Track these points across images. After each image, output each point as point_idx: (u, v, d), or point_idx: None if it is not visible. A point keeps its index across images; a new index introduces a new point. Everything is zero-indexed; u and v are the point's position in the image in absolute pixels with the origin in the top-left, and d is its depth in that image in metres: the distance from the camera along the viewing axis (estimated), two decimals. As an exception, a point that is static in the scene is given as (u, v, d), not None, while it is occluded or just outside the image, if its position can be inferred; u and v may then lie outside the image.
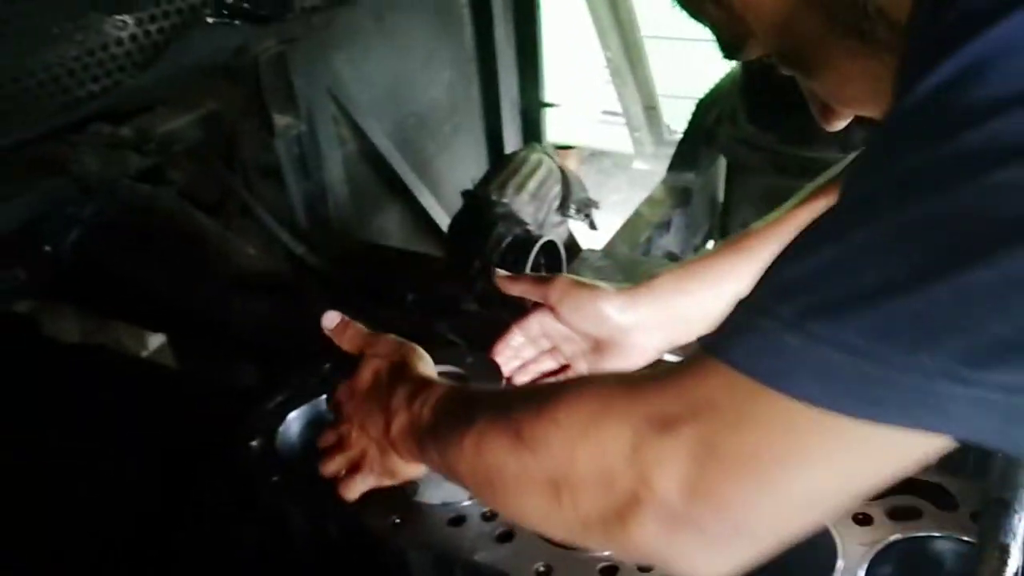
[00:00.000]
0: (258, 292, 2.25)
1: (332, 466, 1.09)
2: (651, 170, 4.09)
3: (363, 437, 1.03)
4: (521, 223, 1.72)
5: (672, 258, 2.23)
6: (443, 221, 2.77)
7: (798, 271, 0.54)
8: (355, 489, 1.07)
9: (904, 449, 0.52)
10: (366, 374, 1.03)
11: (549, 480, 0.67)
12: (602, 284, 1.17)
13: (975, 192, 0.45)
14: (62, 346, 2.45)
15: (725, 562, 0.60)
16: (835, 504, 0.58)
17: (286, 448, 1.31)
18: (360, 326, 1.11)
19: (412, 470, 1.01)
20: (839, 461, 0.53)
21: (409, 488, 1.14)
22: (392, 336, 1.07)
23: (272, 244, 2.20)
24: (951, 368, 0.46)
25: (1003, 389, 0.45)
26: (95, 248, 2.28)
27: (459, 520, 1.10)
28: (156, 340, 3.27)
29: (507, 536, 1.07)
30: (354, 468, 1.07)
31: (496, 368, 1.17)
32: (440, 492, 1.13)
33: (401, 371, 0.99)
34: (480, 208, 1.75)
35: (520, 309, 1.66)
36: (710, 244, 2.59)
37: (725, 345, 0.56)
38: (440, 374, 1.21)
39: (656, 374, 0.64)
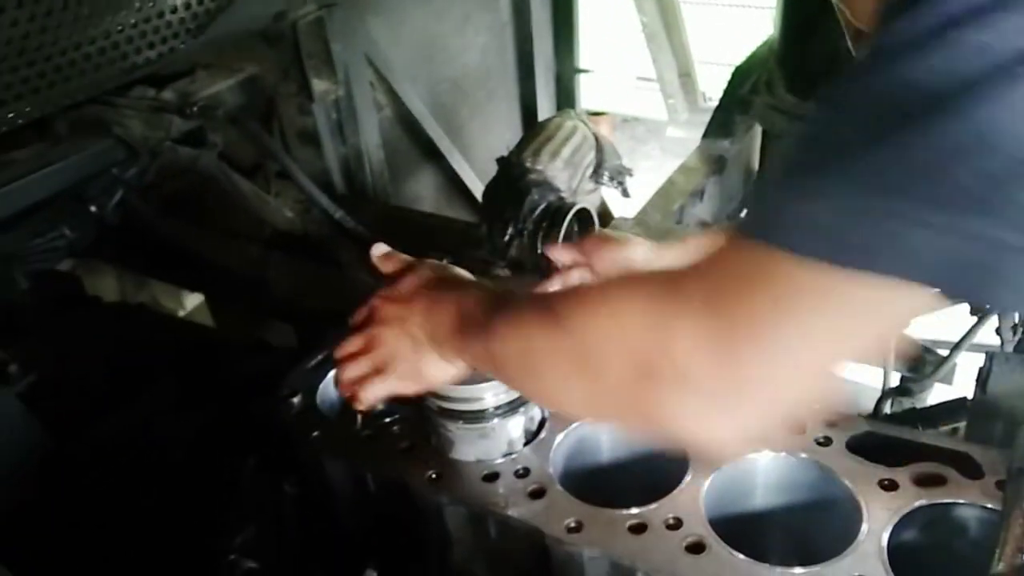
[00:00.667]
0: (295, 254, 2.30)
1: (356, 369, 1.08)
2: (684, 137, 4.04)
3: (400, 339, 1.03)
4: (555, 190, 1.73)
5: (705, 226, 2.24)
6: (475, 187, 2.78)
7: (794, 145, 0.59)
8: (375, 393, 1.08)
9: (894, 302, 0.55)
10: (410, 281, 1.04)
11: (578, 355, 0.73)
12: (632, 236, 1.20)
13: (946, 54, 0.49)
14: (104, 304, 2.53)
15: (729, 424, 0.64)
16: (826, 360, 0.61)
17: (326, 406, 1.36)
18: (405, 256, 1.14)
19: (440, 373, 1.04)
20: (828, 314, 0.57)
21: (444, 445, 1.19)
22: (434, 260, 1.11)
23: (309, 208, 2.24)
24: (924, 215, 0.49)
25: (981, 239, 0.49)
26: (138, 209, 2.34)
27: (493, 476, 1.14)
28: (193, 300, 3.35)
29: (539, 493, 1.10)
30: (375, 372, 1.07)
31: None
32: (474, 449, 1.17)
33: (449, 278, 1.04)
34: (514, 175, 1.77)
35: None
36: (743, 213, 2.58)
37: (737, 223, 0.62)
38: None
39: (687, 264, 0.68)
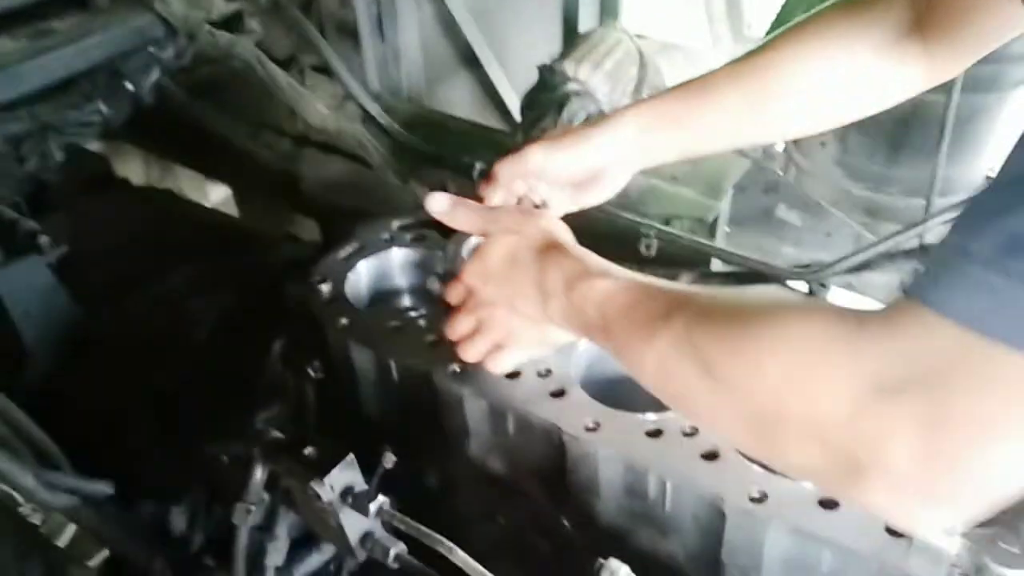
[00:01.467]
0: (328, 150, 2.30)
1: (478, 348, 1.04)
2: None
3: (513, 317, 0.98)
4: (596, 101, 1.71)
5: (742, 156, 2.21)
6: (510, 98, 2.74)
7: (990, 211, 0.54)
8: (507, 364, 1.05)
9: None
10: (499, 252, 0.96)
11: (751, 418, 0.66)
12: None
13: None
14: (133, 187, 2.55)
15: (951, 516, 0.60)
16: None
17: (354, 295, 1.38)
18: (473, 203, 1.04)
19: (565, 337, 0.99)
20: None
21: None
22: (510, 208, 1.03)
23: (343, 103, 2.22)
24: None
25: None
26: (171, 92, 2.33)
27: (515, 374, 1.16)
28: (217, 194, 3.36)
29: (560, 393, 1.12)
30: (498, 348, 1.03)
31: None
32: (499, 348, 1.19)
33: (543, 247, 0.93)
34: (554, 83, 1.74)
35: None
36: (780, 146, 2.54)
37: (943, 297, 0.54)
38: None
39: (871, 324, 0.60)
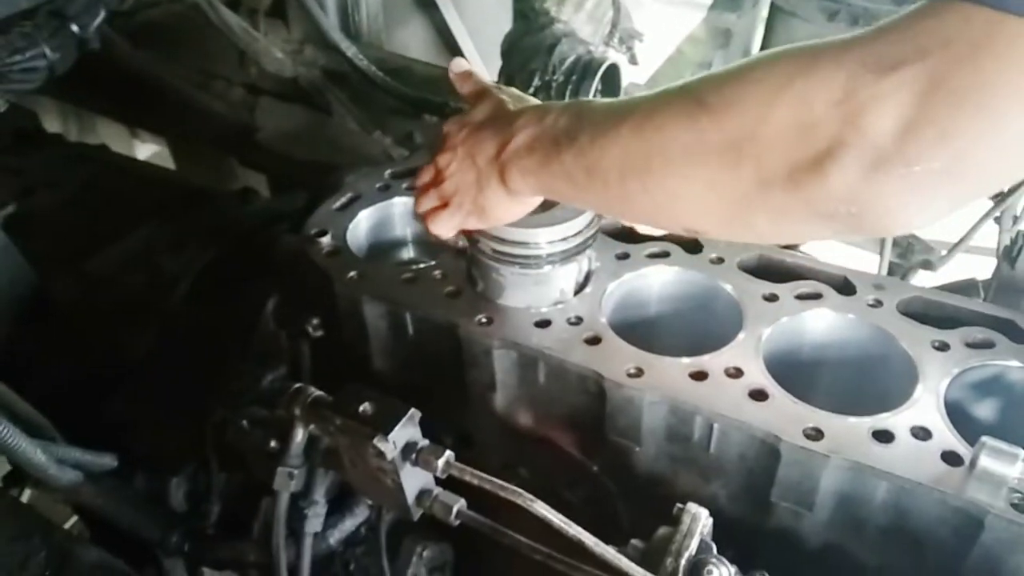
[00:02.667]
0: (284, 99, 2.18)
1: (426, 202, 1.05)
2: (667, 11, 3.94)
3: (463, 167, 0.99)
4: (583, 42, 1.66)
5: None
6: (465, 43, 2.66)
7: None
8: (444, 223, 1.04)
9: None
10: (485, 107, 0.99)
11: (731, 142, 0.67)
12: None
13: None
14: (69, 143, 2.37)
15: (924, 206, 0.59)
16: None
17: (355, 247, 1.31)
18: (482, 77, 1.07)
19: (502, 211, 1.00)
20: None
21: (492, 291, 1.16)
22: (514, 90, 1.03)
23: (301, 49, 2.10)
24: None
25: None
26: (109, 38, 2.15)
27: (545, 323, 1.12)
28: (145, 149, 3.16)
29: (595, 340, 1.09)
30: (442, 205, 1.04)
31: None
32: (526, 296, 1.14)
33: (525, 101, 0.99)
34: (539, 24, 1.68)
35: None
36: None
37: None
38: None
39: (877, 25, 0.61)
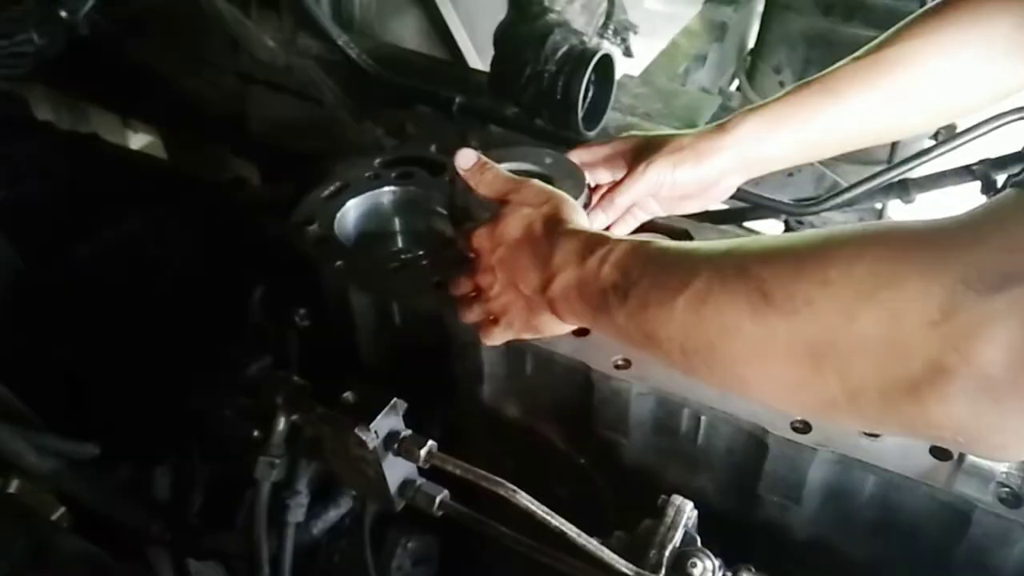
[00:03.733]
0: (276, 88, 2.16)
1: (472, 315, 0.98)
2: (663, 11, 3.93)
3: (509, 291, 0.92)
4: (576, 32, 1.64)
5: (705, 93, 2.19)
6: (459, 33, 2.64)
7: None
8: (497, 338, 0.98)
9: None
10: (514, 223, 0.89)
11: (807, 347, 0.59)
12: (670, 132, 1.11)
13: None
14: (59, 131, 2.35)
15: None
16: None
17: (342, 237, 1.29)
18: (500, 169, 0.98)
19: (560, 327, 0.92)
20: None
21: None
22: (537, 182, 0.95)
23: (294, 38, 2.08)
24: None
25: None
26: (100, 24, 2.13)
27: (533, 313, 1.11)
28: (138, 140, 3.14)
29: (583, 331, 1.08)
30: (492, 321, 0.97)
31: (578, 171, 1.15)
32: (514, 286, 1.13)
33: (559, 223, 0.86)
34: (532, 12, 1.67)
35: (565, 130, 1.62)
36: (734, 85, 2.54)
37: None
38: (517, 172, 1.19)
39: (965, 222, 0.54)
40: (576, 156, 1.15)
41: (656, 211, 1.15)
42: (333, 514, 1.02)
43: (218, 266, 1.52)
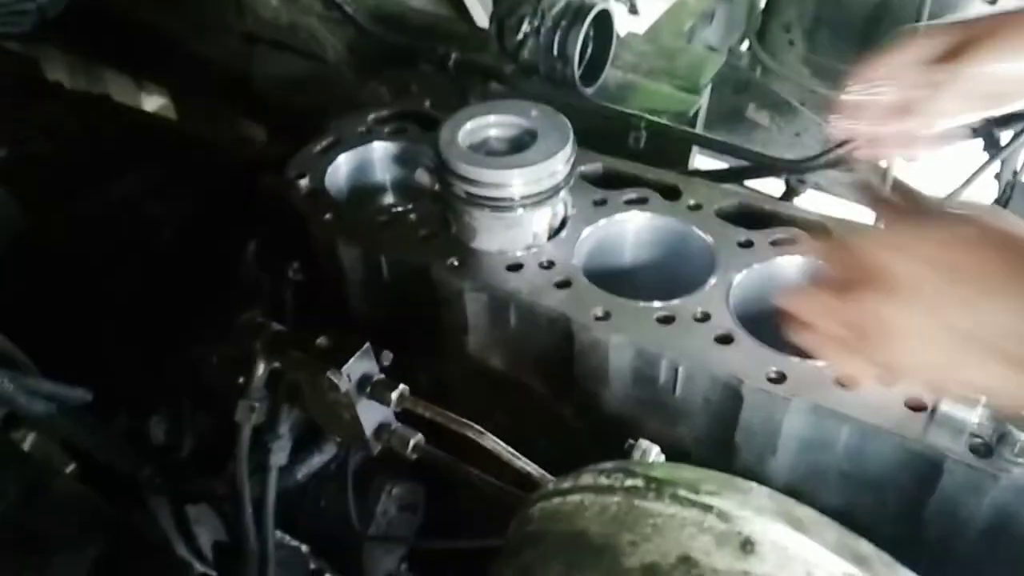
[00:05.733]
0: (280, 47, 2.16)
1: (850, 364, 0.75)
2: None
3: (923, 324, 0.66)
4: (574, -12, 1.63)
5: (712, 51, 2.16)
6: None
7: None
8: (863, 379, 0.80)
9: None
10: (946, 232, 0.67)
11: None
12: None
13: None
14: (69, 91, 2.37)
15: None
16: None
17: (334, 191, 1.31)
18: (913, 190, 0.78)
19: (1006, 388, 0.65)
20: None
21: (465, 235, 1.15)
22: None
23: (296, -3, 2.08)
24: None
25: None
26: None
27: (517, 266, 1.12)
28: (152, 102, 3.16)
29: (565, 284, 1.09)
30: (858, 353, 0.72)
31: (564, 124, 1.15)
32: (498, 239, 1.14)
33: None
34: (531, -31, 1.65)
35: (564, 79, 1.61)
36: (744, 45, 2.50)
37: None
38: (505, 125, 1.19)
39: None
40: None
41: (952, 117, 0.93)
42: (317, 460, 1.04)
43: (215, 222, 1.54)
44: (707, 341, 1.00)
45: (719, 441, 1.03)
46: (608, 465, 0.76)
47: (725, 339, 1.00)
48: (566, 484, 0.74)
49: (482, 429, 0.84)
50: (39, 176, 1.77)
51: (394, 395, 0.86)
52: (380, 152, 1.37)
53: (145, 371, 1.34)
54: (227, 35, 2.24)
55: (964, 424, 0.87)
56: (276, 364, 0.93)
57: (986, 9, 2.20)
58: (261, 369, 0.92)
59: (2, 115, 1.98)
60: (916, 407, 0.90)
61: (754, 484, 0.73)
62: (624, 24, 2.18)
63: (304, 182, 1.28)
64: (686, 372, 1.00)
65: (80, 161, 1.86)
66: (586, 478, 0.73)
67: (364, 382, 0.87)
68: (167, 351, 1.32)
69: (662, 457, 0.85)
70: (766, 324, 1.06)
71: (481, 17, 2.51)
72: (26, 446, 1.28)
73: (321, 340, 0.87)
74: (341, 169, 1.33)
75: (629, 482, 0.70)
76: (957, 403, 0.87)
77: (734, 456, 1.03)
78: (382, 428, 0.91)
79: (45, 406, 1.00)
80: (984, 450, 0.87)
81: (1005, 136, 1.54)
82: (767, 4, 2.42)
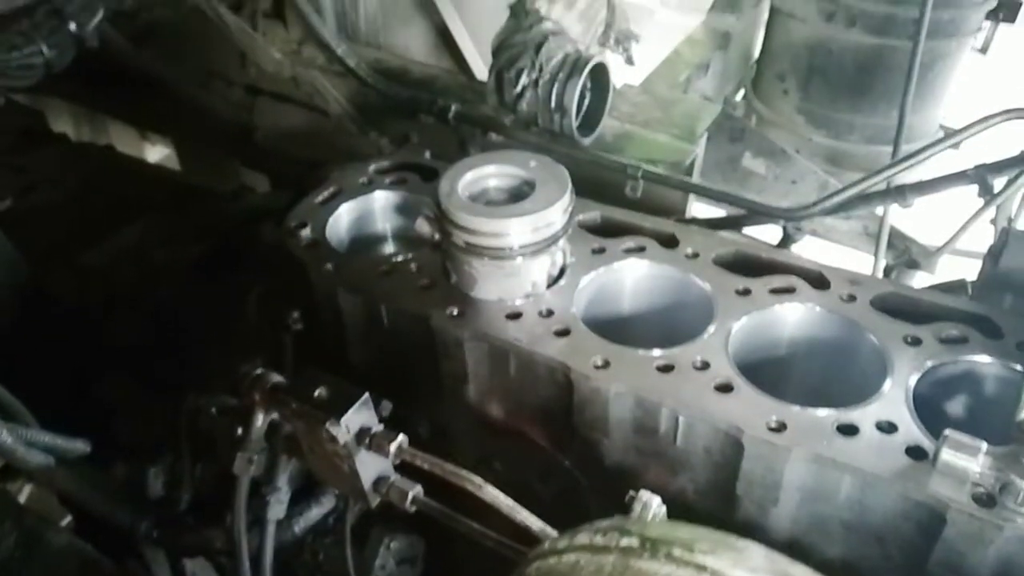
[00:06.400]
0: (283, 99, 2.19)
1: None
2: (673, 24, 3.94)
3: None
4: (571, 41, 1.66)
5: (708, 100, 2.20)
6: (465, 45, 2.67)
7: None
8: None
9: None
10: None
11: None
12: None
13: None
14: (74, 142, 2.40)
15: None
16: None
17: (335, 241, 1.31)
18: None
19: None
20: None
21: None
22: None
23: (299, 50, 2.12)
24: None
25: None
26: (112, 38, 2.18)
27: (516, 315, 1.12)
28: (155, 153, 3.20)
29: (564, 332, 1.09)
30: None
31: (562, 173, 1.16)
32: (497, 288, 1.14)
33: None
34: (528, 22, 1.69)
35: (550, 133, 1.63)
36: (740, 95, 2.54)
37: None
38: (504, 176, 1.20)
39: None
40: None
41: None
42: (316, 512, 1.03)
43: (217, 271, 1.55)
44: (707, 390, 1.00)
45: (721, 491, 1.02)
46: (604, 523, 0.75)
47: (725, 387, 1.00)
48: (562, 543, 0.73)
49: (482, 481, 0.84)
50: (43, 226, 1.78)
51: (392, 447, 0.86)
52: (381, 202, 1.38)
53: (145, 421, 1.34)
54: (230, 87, 2.29)
55: (966, 472, 0.86)
56: (274, 415, 0.93)
57: (976, 60, 2.24)
58: (260, 420, 0.92)
59: (7, 166, 2.01)
60: (917, 455, 0.90)
61: (750, 543, 0.73)
62: (620, 75, 2.22)
63: (305, 232, 1.29)
64: (686, 422, 1.00)
65: (84, 211, 1.88)
66: (582, 537, 0.73)
67: (363, 434, 0.86)
68: (168, 400, 1.32)
69: (663, 509, 0.84)
70: (766, 371, 1.07)
71: (481, 70, 2.56)
72: (23, 498, 1.27)
73: (320, 391, 0.87)
74: (342, 219, 1.34)
75: (624, 541, 0.70)
76: (958, 451, 0.86)
77: (736, 507, 1.02)
78: (381, 480, 0.90)
79: (43, 458, 1.00)
80: (987, 500, 0.86)
81: (998, 183, 1.55)
82: (761, 55, 2.47)
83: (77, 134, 3.04)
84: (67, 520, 1.28)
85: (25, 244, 1.59)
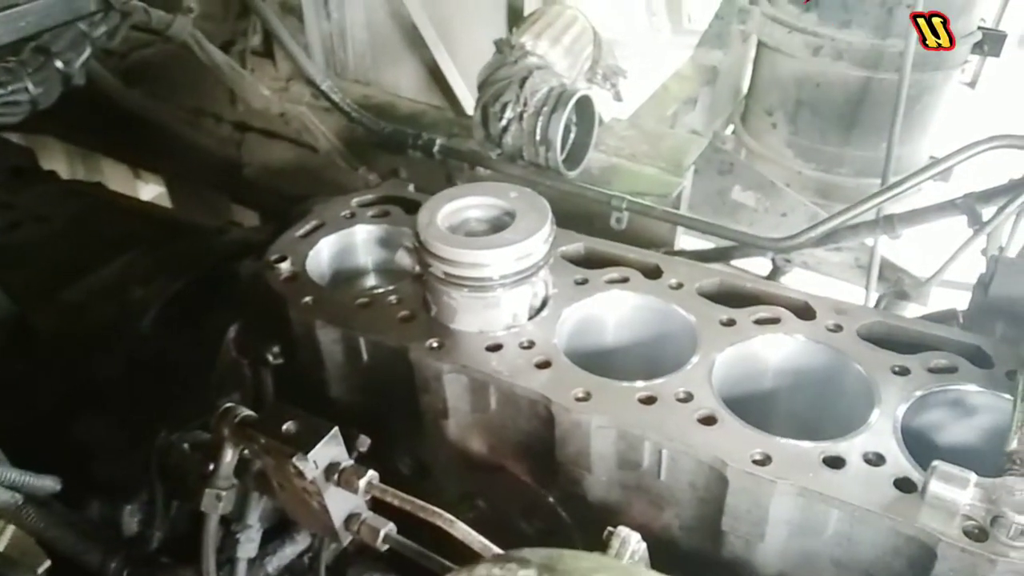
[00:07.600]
0: (271, 136, 2.20)
1: None
2: (660, 60, 3.98)
3: None
4: (556, 76, 1.67)
5: (696, 135, 2.20)
6: (455, 81, 2.69)
7: None
8: None
9: None
10: None
11: None
12: None
13: None
14: (63, 180, 2.40)
15: None
16: None
17: (316, 274, 1.30)
18: None
19: None
20: None
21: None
22: None
23: (288, 87, 2.13)
24: None
25: None
26: (101, 76, 2.20)
27: (496, 347, 1.10)
28: (147, 192, 3.20)
29: (545, 364, 1.07)
30: None
31: (543, 204, 1.15)
32: (477, 320, 1.12)
33: None
34: (514, 57, 1.69)
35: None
36: (730, 129, 2.54)
37: None
38: (484, 207, 1.19)
39: None
40: None
41: None
42: (290, 551, 1.00)
43: (197, 306, 1.54)
44: (690, 422, 0.97)
45: (708, 527, 0.99)
46: (508, 554, 0.72)
47: (709, 420, 0.97)
48: None
49: (452, 518, 0.81)
50: (27, 263, 1.77)
51: (362, 482, 0.83)
52: (362, 235, 1.37)
53: (122, 457, 1.31)
54: (220, 124, 2.29)
55: (956, 504, 0.84)
56: (244, 450, 0.90)
57: (963, 90, 2.25)
58: (229, 456, 0.89)
59: (-6, 203, 2.00)
60: (906, 487, 0.88)
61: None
62: (608, 110, 2.23)
63: (284, 266, 1.27)
64: (670, 455, 0.97)
65: (70, 248, 1.87)
66: (480, 571, 0.70)
67: (332, 469, 0.84)
68: (145, 436, 1.29)
69: (643, 546, 0.81)
70: (751, 403, 1.05)
71: (471, 105, 2.57)
72: (3, 541, 1.24)
73: (288, 425, 0.84)
74: (323, 253, 1.33)
75: (522, 574, 0.67)
76: (948, 482, 0.84)
77: (723, 543, 0.99)
78: (352, 517, 0.87)
79: (8, 495, 0.97)
80: (979, 533, 0.83)
81: (988, 212, 1.55)
82: (749, 89, 2.48)
83: (71, 172, 3.05)
84: (45, 565, 1.24)
85: (12, 280, 1.58)
